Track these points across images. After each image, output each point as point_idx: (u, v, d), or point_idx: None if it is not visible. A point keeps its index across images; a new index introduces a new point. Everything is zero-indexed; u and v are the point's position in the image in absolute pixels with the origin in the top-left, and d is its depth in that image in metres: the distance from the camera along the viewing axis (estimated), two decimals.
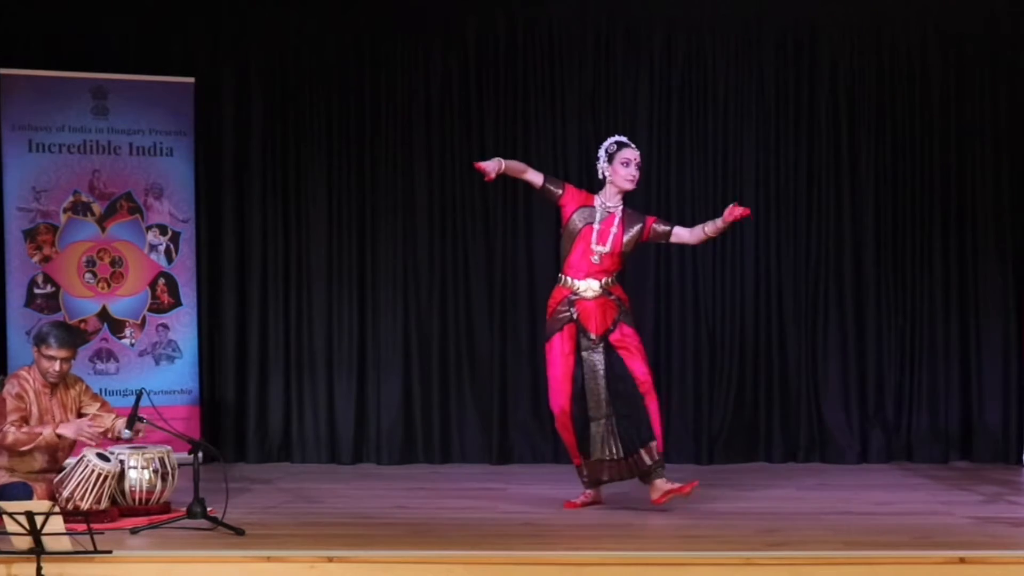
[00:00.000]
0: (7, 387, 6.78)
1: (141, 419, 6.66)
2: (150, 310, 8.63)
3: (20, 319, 8.35)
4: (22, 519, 5.28)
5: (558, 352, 6.99)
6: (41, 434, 6.60)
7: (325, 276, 8.97)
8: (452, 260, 8.98)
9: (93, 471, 6.43)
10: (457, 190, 8.96)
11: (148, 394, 6.74)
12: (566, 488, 7.30)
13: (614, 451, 6.89)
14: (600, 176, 7.09)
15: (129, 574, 5.60)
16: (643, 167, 7.14)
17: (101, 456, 6.52)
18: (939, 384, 8.95)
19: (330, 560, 5.62)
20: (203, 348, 8.83)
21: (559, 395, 6.98)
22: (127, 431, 6.67)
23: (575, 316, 6.97)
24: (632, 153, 7.06)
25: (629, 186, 7.05)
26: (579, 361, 6.95)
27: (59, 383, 6.80)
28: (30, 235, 8.43)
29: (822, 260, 8.99)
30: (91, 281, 8.53)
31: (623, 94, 8.98)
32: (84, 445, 6.62)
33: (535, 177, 7.12)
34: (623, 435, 6.87)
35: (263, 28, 8.95)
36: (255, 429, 8.92)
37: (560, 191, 7.09)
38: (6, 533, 5.44)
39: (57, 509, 5.38)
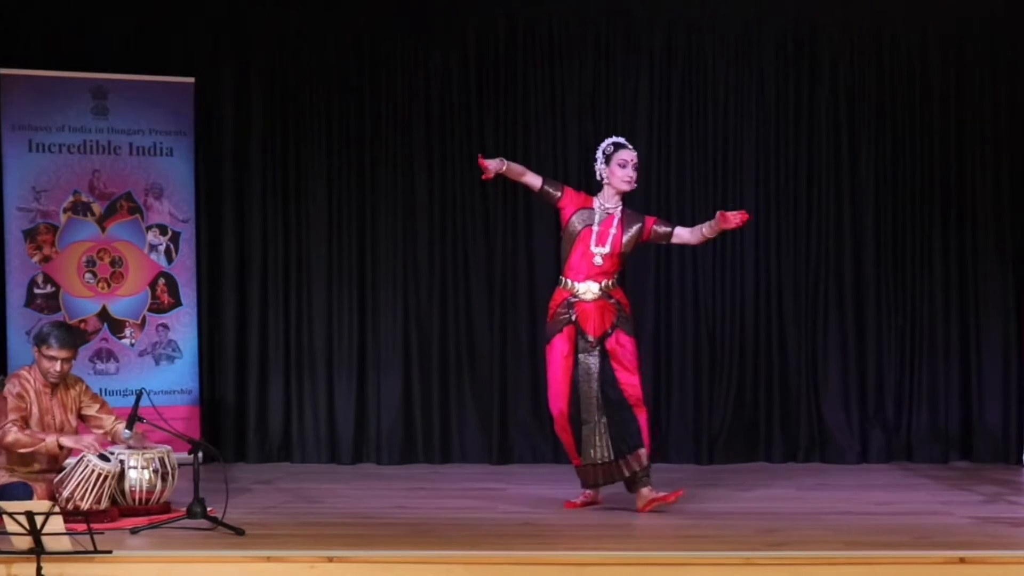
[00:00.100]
0: (8, 387, 6.78)
1: (141, 419, 6.67)
2: (150, 310, 8.63)
3: (20, 319, 8.35)
4: (22, 519, 5.28)
5: (558, 354, 6.99)
6: (43, 441, 6.61)
7: (325, 276, 8.97)
8: (452, 260, 8.98)
9: (93, 471, 6.43)
10: (457, 190, 8.96)
11: (148, 394, 6.74)
12: (566, 488, 7.30)
13: (604, 454, 6.88)
14: (598, 178, 7.09)
15: (129, 574, 5.60)
16: (640, 168, 7.13)
17: (101, 456, 6.52)
18: (939, 384, 8.96)
19: (330, 560, 5.61)
20: (203, 348, 8.83)
21: (558, 397, 6.98)
22: (127, 431, 6.69)
23: (574, 318, 6.97)
24: (629, 154, 7.05)
25: (626, 187, 7.05)
26: (576, 363, 6.95)
27: (60, 383, 6.80)
28: (30, 235, 8.43)
29: (822, 260, 8.99)
30: (91, 281, 8.53)
31: (623, 94, 8.99)
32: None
33: (534, 180, 7.11)
34: (612, 439, 6.87)
35: (263, 28, 8.95)
36: (255, 429, 8.92)
37: (559, 193, 7.09)
38: (6, 533, 5.44)
39: (57, 509, 5.38)
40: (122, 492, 6.61)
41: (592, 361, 6.92)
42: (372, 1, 8.93)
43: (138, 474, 6.63)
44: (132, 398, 6.74)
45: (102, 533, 5.68)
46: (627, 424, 6.86)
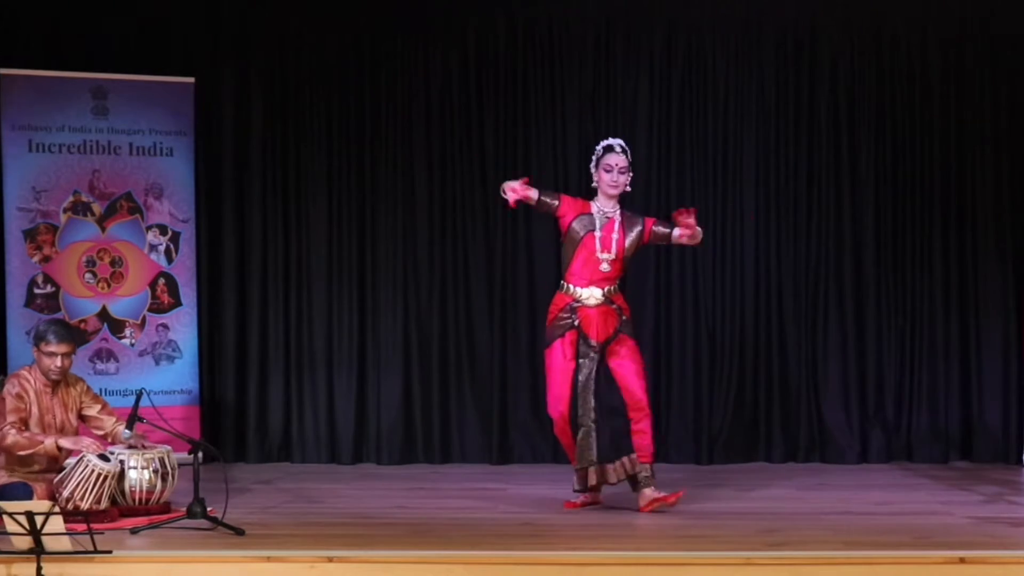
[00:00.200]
0: (7, 387, 6.78)
1: (141, 419, 6.67)
2: (150, 310, 8.63)
3: (20, 319, 8.35)
4: (22, 519, 5.28)
5: (559, 357, 6.99)
6: (42, 443, 6.61)
7: (325, 276, 8.97)
8: (452, 260, 8.98)
9: (93, 471, 6.43)
10: (457, 190, 8.96)
11: (148, 394, 6.74)
12: (566, 488, 7.28)
13: (594, 457, 6.88)
14: (593, 183, 7.11)
15: (129, 574, 5.60)
16: (626, 170, 7.03)
17: (101, 456, 6.52)
18: (939, 384, 8.96)
19: (330, 560, 5.61)
20: (203, 348, 8.83)
21: (559, 401, 6.97)
22: (127, 431, 6.69)
23: (577, 323, 6.97)
24: (615, 158, 7.03)
25: (612, 191, 7.03)
26: (577, 368, 6.94)
27: (60, 381, 6.80)
28: (30, 235, 8.43)
29: (822, 260, 8.99)
30: (91, 281, 8.53)
31: (623, 94, 8.99)
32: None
33: (532, 194, 7.10)
34: (600, 445, 6.86)
35: (263, 28, 8.95)
36: (255, 429, 8.92)
37: (556, 202, 7.07)
38: (6, 533, 5.44)
39: (57, 509, 5.38)
40: (122, 492, 6.61)
41: (592, 366, 6.92)
42: (372, 1, 8.93)
43: (138, 474, 6.63)
44: (132, 398, 6.74)
45: (102, 533, 5.68)
46: (618, 431, 6.86)
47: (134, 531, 6.24)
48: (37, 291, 8.42)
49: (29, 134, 8.43)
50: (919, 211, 8.98)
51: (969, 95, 8.96)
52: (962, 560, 5.62)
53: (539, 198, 7.04)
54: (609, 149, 7.06)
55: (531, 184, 7.02)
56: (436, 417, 8.94)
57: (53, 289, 8.45)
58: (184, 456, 6.78)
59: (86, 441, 6.67)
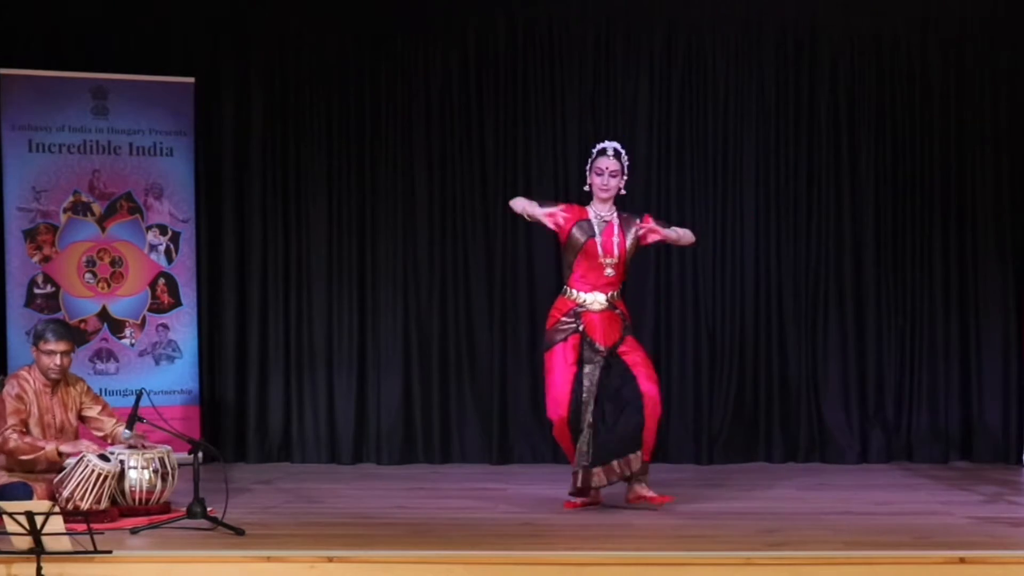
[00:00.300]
0: (7, 388, 6.78)
1: (141, 419, 6.67)
2: (150, 310, 8.63)
3: (20, 319, 8.35)
4: (22, 519, 5.28)
5: (560, 361, 6.99)
6: (43, 449, 6.62)
7: (325, 276, 8.97)
8: (452, 260, 8.98)
9: (93, 471, 6.43)
10: (457, 190, 8.96)
11: (148, 394, 6.74)
12: (566, 488, 7.27)
13: (592, 459, 6.88)
14: (586, 186, 7.12)
15: (129, 574, 5.60)
16: (618, 174, 7.04)
17: (101, 456, 6.52)
18: (939, 384, 8.95)
19: (330, 560, 5.61)
20: (203, 348, 8.83)
21: (559, 404, 6.97)
22: (127, 431, 6.69)
23: (581, 328, 6.97)
24: (606, 162, 7.04)
25: (603, 195, 7.04)
26: (580, 372, 6.94)
27: (60, 380, 6.80)
28: (30, 235, 8.42)
29: (822, 260, 8.99)
30: (91, 281, 8.53)
31: (623, 94, 8.98)
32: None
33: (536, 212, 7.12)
34: (599, 446, 6.86)
35: (263, 28, 8.95)
36: (255, 429, 8.92)
37: (560, 221, 7.06)
38: (6, 533, 5.44)
39: (57, 509, 5.38)
40: (122, 492, 6.61)
41: (596, 371, 6.92)
42: (372, 1, 8.93)
43: (138, 474, 6.63)
44: (132, 398, 6.75)
45: (102, 533, 5.69)
46: (619, 432, 6.87)
47: (134, 531, 6.24)
48: (37, 291, 8.42)
49: (29, 134, 8.43)
50: (919, 211, 8.98)
51: (969, 95, 8.96)
52: (962, 560, 5.62)
53: (543, 216, 7.02)
54: (602, 152, 7.07)
55: (531, 196, 7.06)
56: (436, 417, 8.94)
57: (53, 289, 8.45)
58: (184, 456, 6.79)
59: (85, 443, 6.68)
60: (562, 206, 7.11)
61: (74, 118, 8.50)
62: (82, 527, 5.40)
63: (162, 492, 6.68)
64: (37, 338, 6.77)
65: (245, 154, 8.96)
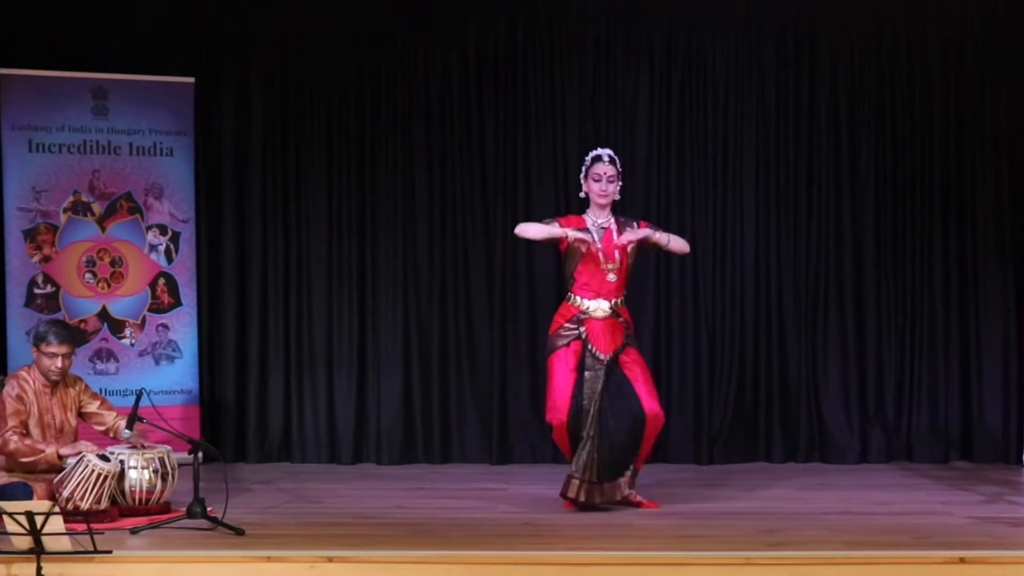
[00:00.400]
0: (7, 388, 6.78)
1: (141, 419, 6.67)
2: (150, 310, 8.63)
3: (20, 319, 8.35)
4: (22, 519, 5.28)
5: (562, 366, 6.98)
6: (43, 452, 6.63)
7: (325, 276, 8.97)
8: (452, 260, 8.98)
9: (93, 471, 6.43)
10: (457, 190, 8.96)
11: (148, 394, 6.75)
12: None
13: (590, 474, 6.88)
14: (581, 194, 7.12)
15: (129, 574, 5.61)
16: (615, 179, 7.05)
17: (101, 456, 6.52)
18: (939, 384, 8.95)
19: (330, 560, 5.62)
20: (203, 348, 8.83)
21: (559, 409, 6.96)
22: (127, 431, 6.69)
23: (583, 335, 6.97)
24: (604, 168, 7.04)
25: (602, 201, 7.06)
26: (581, 379, 6.94)
27: (60, 381, 6.81)
28: (30, 235, 8.43)
29: (822, 260, 8.99)
30: (91, 281, 8.53)
31: (623, 94, 8.98)
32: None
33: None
34: (602, 461, 6.86)
35: (263, 28, 8.95)
36: (255, 429, 8.92)
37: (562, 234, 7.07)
38: (6, 533, 5.44)
39: (57, 509, 5.38)
40: (122, 492, 6.62)
41: (598, 380, 6.91)
42: (372, 1, 8.93)
43: (138, 474, 6.64)
44: (132, 398, 6.75)
45: (102, 533, 5.69)
46: (621, 445, 6.87)
47: (134, 531, 6.24)
48: (37, 291, 8.42)
49: (29, 134, 8.43)
50: (919, 211, 8.97)
51: (969, 95, 8.96)
52: (962, 560, 5.62)
53: (560, 230, 6.99)
54: (597, 159, 7.08)
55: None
56: (436, 417, 8.93)
57: (53, 289, 8.45)
58: (184, 456, 6.79)
59: (84, 444, 6.68)
60: (559, 220, 7.13)
61: (74, 118, 8.50)
62: (82, 527, 5.41)
63: (162, 492, 6.68)
64: (39, 340, 6.77)
65: (245, 154, 8.96)
